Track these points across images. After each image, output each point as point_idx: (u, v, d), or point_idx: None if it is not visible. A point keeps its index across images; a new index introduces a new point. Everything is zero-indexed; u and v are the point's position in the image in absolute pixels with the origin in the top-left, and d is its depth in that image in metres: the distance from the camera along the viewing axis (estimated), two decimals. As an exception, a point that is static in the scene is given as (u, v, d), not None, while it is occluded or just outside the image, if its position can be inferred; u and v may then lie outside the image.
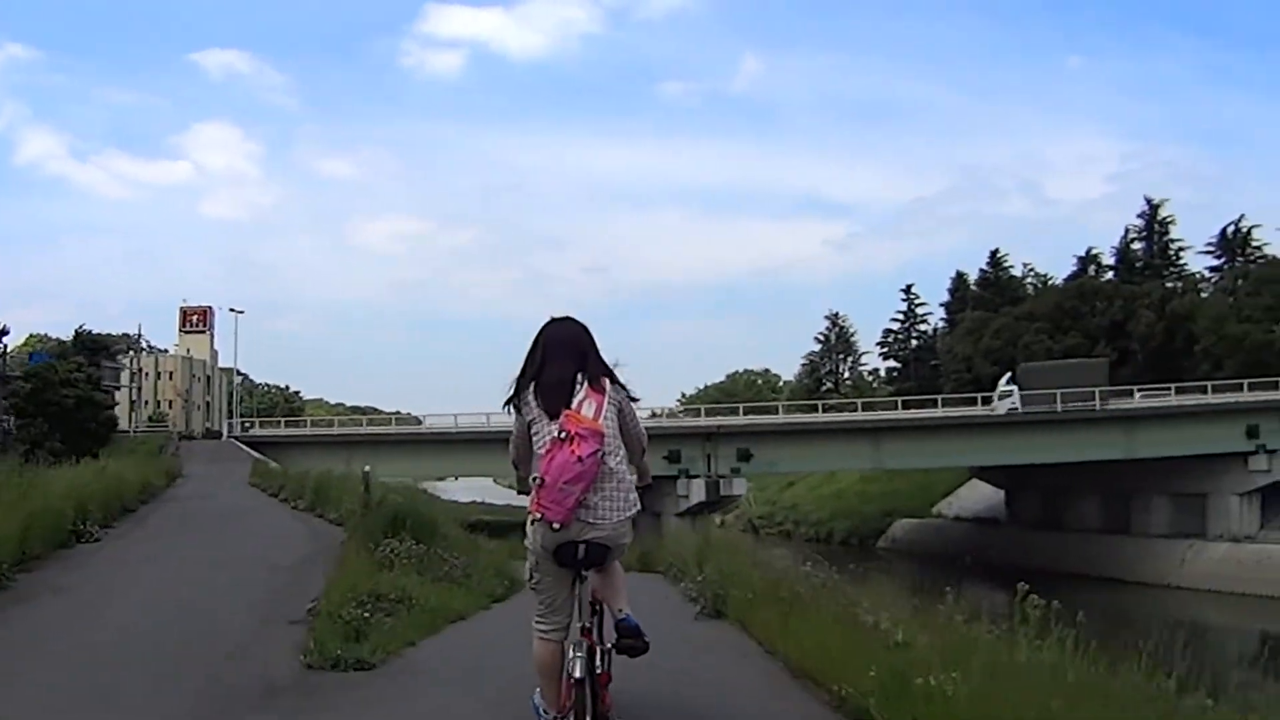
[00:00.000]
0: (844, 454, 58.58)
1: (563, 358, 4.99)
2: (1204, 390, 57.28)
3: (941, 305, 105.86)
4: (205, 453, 54.02)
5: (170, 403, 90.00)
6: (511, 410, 5.11)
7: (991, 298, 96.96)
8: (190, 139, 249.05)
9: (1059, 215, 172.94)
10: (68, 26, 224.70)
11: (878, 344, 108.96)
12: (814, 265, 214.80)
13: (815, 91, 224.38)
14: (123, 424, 71.50)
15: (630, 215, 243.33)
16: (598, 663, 4.85)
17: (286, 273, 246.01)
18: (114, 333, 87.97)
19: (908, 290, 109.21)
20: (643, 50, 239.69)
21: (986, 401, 61.11)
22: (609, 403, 4.93)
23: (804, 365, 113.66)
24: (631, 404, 5.17)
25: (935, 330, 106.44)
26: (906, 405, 60.74)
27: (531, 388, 4.99)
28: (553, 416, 4.82)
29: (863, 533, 78.14)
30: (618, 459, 4.88)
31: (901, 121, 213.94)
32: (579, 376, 4.95)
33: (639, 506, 4.94)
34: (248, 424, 65.89)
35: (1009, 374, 64.48)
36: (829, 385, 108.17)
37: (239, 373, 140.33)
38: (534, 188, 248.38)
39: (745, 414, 58.11)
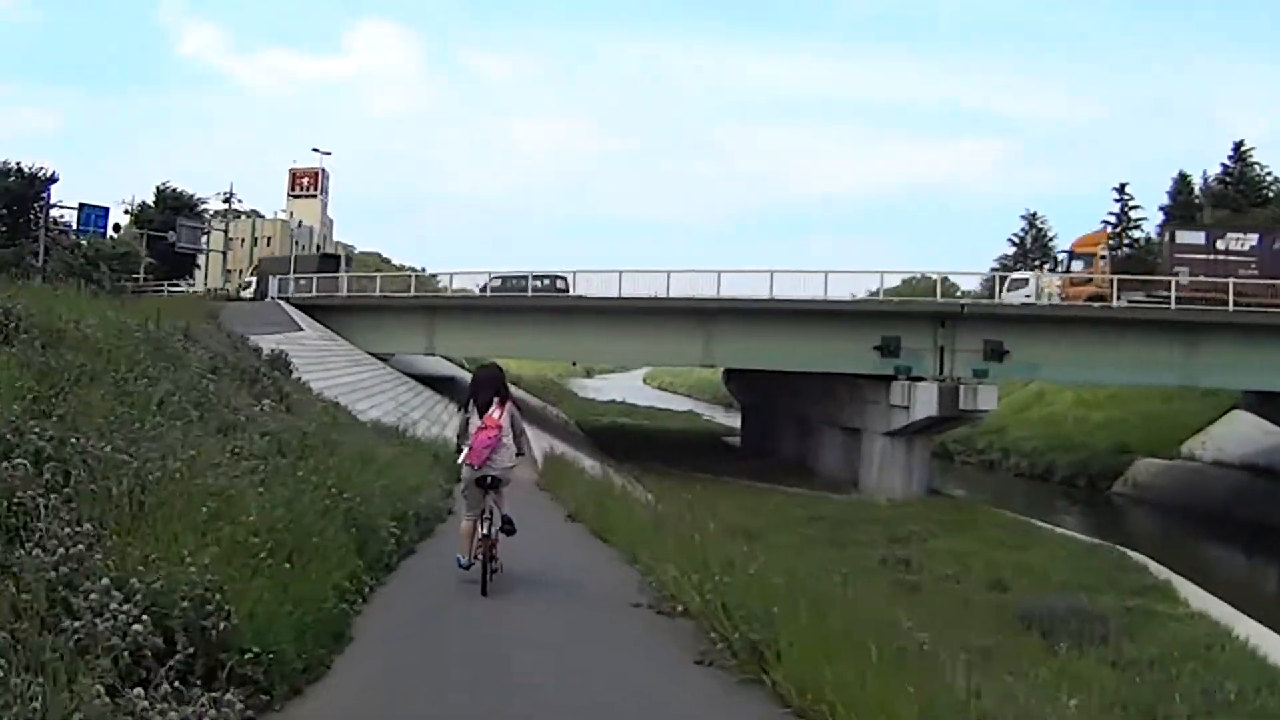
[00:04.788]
0: (1141, 360, 37.06)
1: (486, 388, 9.41)
2: None
3: (1161, 209, 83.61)
4: (234, 316, 35.66)
5: (267, 271, 72.51)
6: (462, 410, 9.94)
7: (1235, 197, 75.64)
8: (353, 36, 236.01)
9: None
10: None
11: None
12: (977, 184, 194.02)
13: (988, 7, 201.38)
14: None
15: (791, 126, 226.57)
16: (492, 533, 9.12)
17: (439, 169, 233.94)
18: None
19: (1121, 190, 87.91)
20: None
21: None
22: (507, 412, 9.30)
23: (995, 269, 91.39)
24: (518, 412, 9.71)
25: (1149, 237, 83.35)
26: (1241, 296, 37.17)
27: (472, 401, 9.43)
28: (481, 416, 9.22)
29: (1092, 471, 55.79)
30: (509, 437, 9.26)
31: (1076, 44, 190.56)
32: (495, 398, 9.31)
33: (515, 461, 9.43)
34: (303, 281, 46.71)
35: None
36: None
37: (380, 255, 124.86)
38: (694, 95, 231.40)
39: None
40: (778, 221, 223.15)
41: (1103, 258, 40.56)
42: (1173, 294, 36.62)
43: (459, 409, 10.92)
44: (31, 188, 55.70)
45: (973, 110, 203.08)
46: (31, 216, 55.76)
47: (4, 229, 56.08)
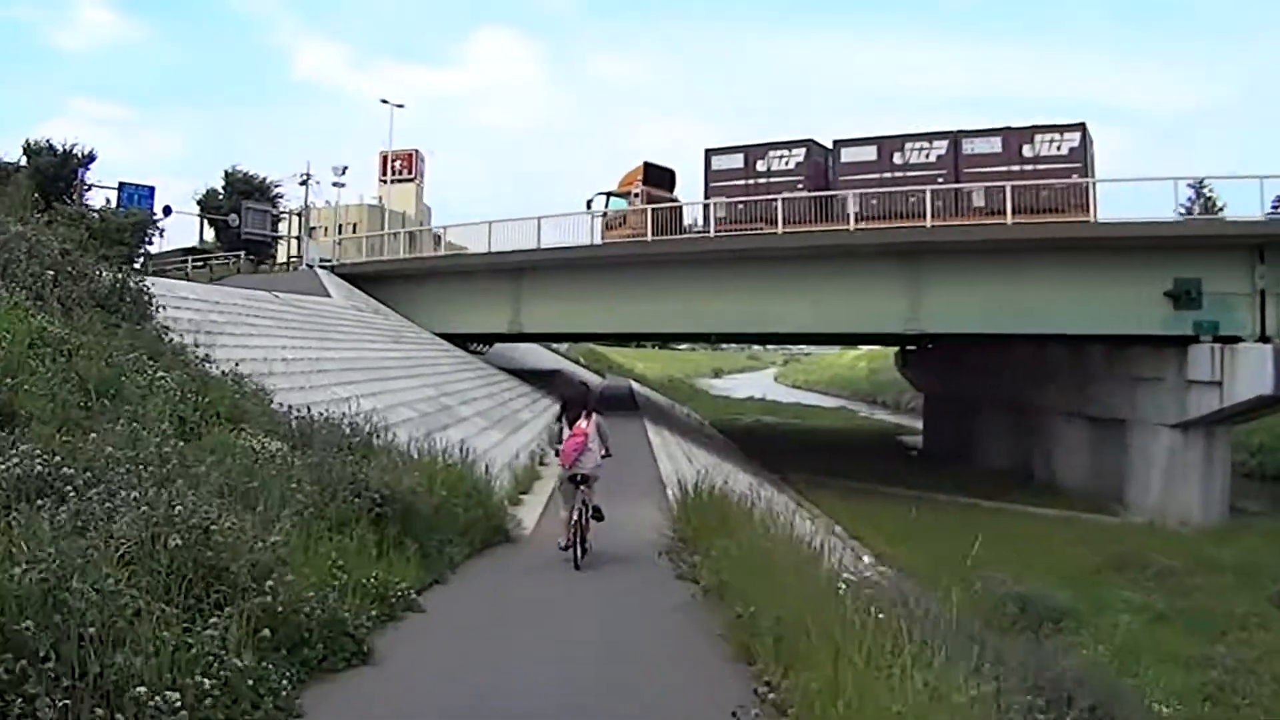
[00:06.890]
0: None
1: (576, 405, 11.11)
2: None
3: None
4: (250, 279, 27.90)
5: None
6: (556, 422, 11.60)
7: None
8: (469, 47, 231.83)
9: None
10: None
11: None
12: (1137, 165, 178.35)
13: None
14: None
15: (904, 120, 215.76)
16: (584, 519, 10.63)
17: (556, 176, 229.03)
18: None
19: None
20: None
21: None
22: (593, 423, 10.78)
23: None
24: (605, 423, 11.10)
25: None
26: None
27: (564, 416, 11.21)
28: (570, 427, 10.88)
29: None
30: (595, 443, 10.73)
31: (1185, 24, 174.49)
32: (584, 411, 10.90)
33: (601, 461, 10.79)
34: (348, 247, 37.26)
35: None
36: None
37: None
38: (811, 91, 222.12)
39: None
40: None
41: (636, 195, 33.14)
42: None
43: (556, 419, 11.91)
44: (65, 166, 47.96)
45: (1082, 100, 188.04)
46: (69, 200, 47.65)
47: (39, 210, 47.69)
